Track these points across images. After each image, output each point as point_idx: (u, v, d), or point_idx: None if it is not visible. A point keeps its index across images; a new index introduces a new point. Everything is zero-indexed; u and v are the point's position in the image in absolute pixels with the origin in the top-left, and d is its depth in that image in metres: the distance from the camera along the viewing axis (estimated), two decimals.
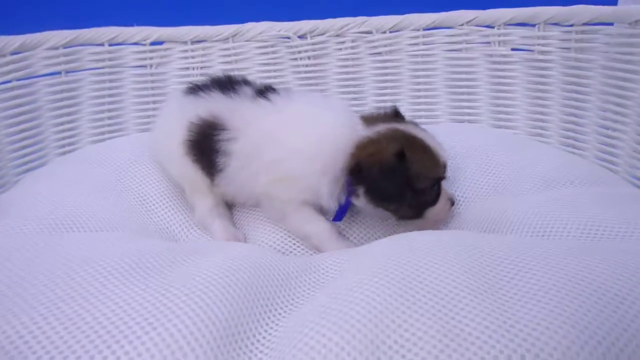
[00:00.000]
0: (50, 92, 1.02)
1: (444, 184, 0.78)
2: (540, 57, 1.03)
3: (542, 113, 1.06)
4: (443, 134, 0.98)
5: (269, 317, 0.52)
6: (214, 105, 0.78)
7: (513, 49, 1.06)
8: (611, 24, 0.94)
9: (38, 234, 0.69)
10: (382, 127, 0.73)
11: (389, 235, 0.78)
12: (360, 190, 0.71)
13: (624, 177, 0.93)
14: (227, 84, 0.80)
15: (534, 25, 1.03)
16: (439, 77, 1.13)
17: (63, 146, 1.05)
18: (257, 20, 1.13)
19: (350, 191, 0.73)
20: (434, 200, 0.75)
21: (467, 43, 1.09)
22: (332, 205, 0.75)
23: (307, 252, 0.76)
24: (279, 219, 0.77)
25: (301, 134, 0.73)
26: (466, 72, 1.11)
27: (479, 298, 0.47)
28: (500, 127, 1.10)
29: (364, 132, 0.73)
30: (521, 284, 0.49)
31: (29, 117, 0.99)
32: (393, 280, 0.50)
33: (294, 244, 0.77)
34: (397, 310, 0.47)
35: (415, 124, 0.78)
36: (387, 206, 0.73)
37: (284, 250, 0.76)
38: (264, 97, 0.77)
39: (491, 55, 1.08)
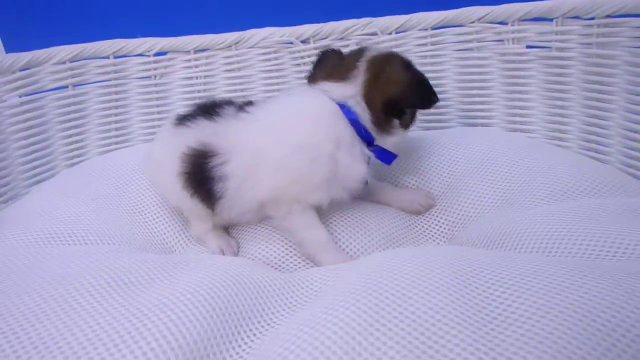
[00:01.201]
0: (58, 105, 1.06)
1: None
2: (559, 54, 0.97)
3: (561, 115, 0.99)
4: (452, 140, 0.94)
5: (242, 338, 0.52)
6: (201, 132, 0.77)
7: (528, 46, 1.00)
8: (637, 15, 0.86)
9: (31, 247, 0.72)
10: (360, 64, 0.77)
11: (387, 245, 0.78)
12: (395, 123, 0.77)
13: None
14: (210, 109, 0.79)
15: (551, 20, 0.96)
16: (449, 78, 1.08)
17: (71, 157, 1.09)
18: (260, 26, 1.13)
19: (369, 140, 0.77)
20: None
21: (478, 42, 1.04)
22: (364, 170, 0.76)
23: (300, 267, 0.75)
24: (282, 219, 0.76)
25: (295, 124, 0.75)
26: (478, 73, 1.06)
27: (461, 325, 0.44)
28: (515, 130, 1.04)
29: (348, 82, 0.76)
30: (510, 309, 0.46)
31: (38, 131, 1.04)
32: (371, 303, 0.48)
33: (288, 258, 0.76)
34: (370, 336, 0.44)
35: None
36: (409, 119, 0.80)
37: (277, 265, 0.75)
38: (244, 110, 0.77)
39: (505, 54, 1.02)
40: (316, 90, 0.78)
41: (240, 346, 0.51)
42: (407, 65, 0.77)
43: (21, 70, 1.02)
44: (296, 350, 0.45)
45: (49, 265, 0.62)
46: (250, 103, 0.80)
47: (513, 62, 1.02)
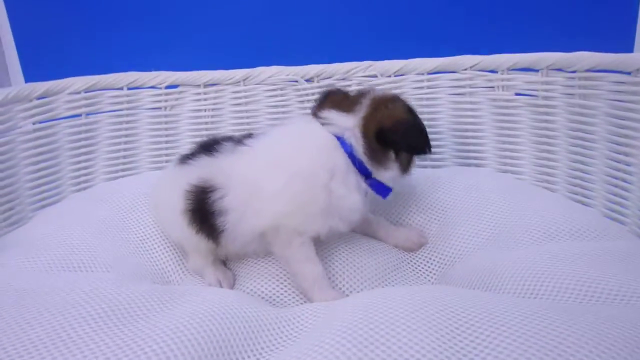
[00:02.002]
0: (70, 133, 1.11)
1: None
2: (545, 102, 1.04)
3: (548, 159, 1.05)
4: (446, 179, 0.98)
5: None
6: (201, 169, 0.80)
7: (517, 94, 1.06)
8: (615, 71, 0.95)
9: (32, 273, 0.74)
10: (365, 101, 0.80)
11: (380, 282, 0.80)
12: (391, 156, 0.78)
13: (633, 230, 0.91)
14: (211, 146, 0.82)
15: (537, 71, 1.04)
16: (443, 120, 1.15)
17: (79, 183, 1.12)
18: (267, 64, 1.20)
19: (366, 173, 0.79)
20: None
21: (471, 87, 1.11)
22: (359, 201, 0.77)
23: (293, 302, 0.77)
24: (282, 249, 0.78)
25: (291, 154, 0.77)
26: (471, 116, 1.12)
27: None
28: (506, 171, 1.09)
29: (351, 114, 0.79)
30: (487, 350, 0.49)
31: (48, 157, 1.08)
32: (357, 341, 0.51)
33: (282, 293, 0.78)
34: None
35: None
36: (407, 161, 0.81)
37: (271, 299, 0.77)
38: (242, 144, 0.80)
39: (495, 100, 1.09)
40: (313, 122, 0.81)
41: None
42: (409, 108, 0.79)
43: (38, 98, 1.07)
44: None
45: (49, 293, 0.64)
46: (249, 136, 0.82)
47: (503, 107, 1.09)
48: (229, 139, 0.84)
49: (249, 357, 0.57)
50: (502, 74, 1.06)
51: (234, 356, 0.56)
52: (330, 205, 0.75)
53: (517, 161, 1.10)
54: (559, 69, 1.01)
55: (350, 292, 0.79)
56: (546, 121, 1.04)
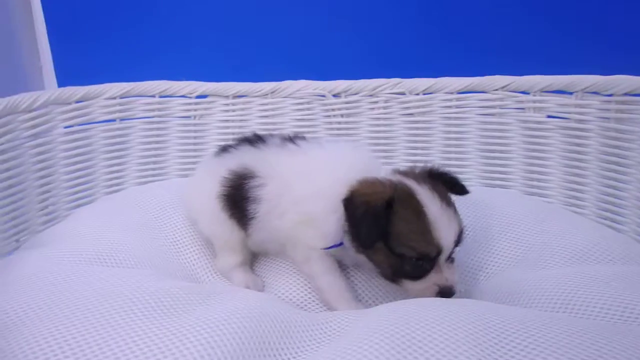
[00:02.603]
0: (105, 137, 1.16)
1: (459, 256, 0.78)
2: (578, 125, 1.03)
3: (578, 183, 1.03)
4: (472, 197, 0.99)
5: None
6: (244, 157, 0.84)
7: (549, 116, 1.06)
8: None
9: (73, 265, 0.77)
10: (397, 177, 0.74)
11: (405, 296, 0.79)
12: (347, 227, 0.73)
13: None
14: (255, 139, 0.87)
15: (571, 93, 1.02)
16: (471, 140, 1.15)
17: (111, 186, 1.17)
18: (295, 78, 1.23)
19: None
20: (415, 275, 0.72)
21: (501, 108, 1.11)
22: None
23: (322, 308, 0.78)
24: (302, 264, 0.80)
25: (318, 174, 0.77)
26: (499, 137, 1.12)
27: None
28: (533, 194, 1.08)
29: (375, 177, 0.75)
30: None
31: (84, 159, 1.12)
32: (392, 344, 0.52)
33: (310, 298, 0.80)
34: None
35: (441, 192, 0.73)
36: (366, 254, 0.74)
37: (300, 304, 0.79)
38: (292, 142, 0.84)
39: (526, 121, 1.09)
40: (363, 150, 0.85)
41: None
42: (391, 206, 0.71)
43: (77, 102, 1.13)
44: None
45: (93, 282, 0.68)
46: (302, 138, 0.86)
47: (533, 129, 1.08)
48: (274, 136, 0.87)
49: (286, 354, 0.58)
50: (534, 95, 1.06)
51: (272, 352, 0.57)
52: (333, 233, 0.75)
53: (545, 184, 1.09)
54: (595, 92, 0.99)
55: (374, 305, 0.79)
56: (578, 144, 1.03)
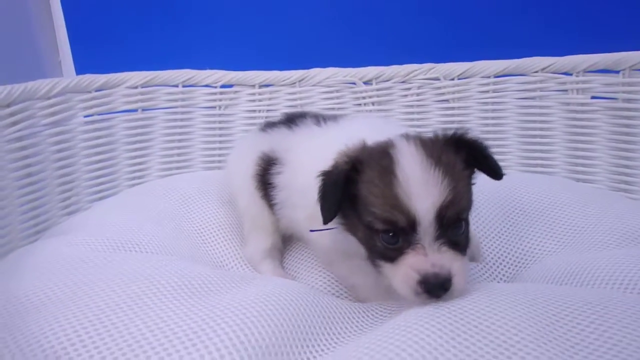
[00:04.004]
0: (126, 127, 1.14)
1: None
2: (626, 105, 1.00)
3: (626, 166, 1.00)
4: (510, 183, 0.96)
5: (309, 350, 0.52)
6: (275, 140, 0.82)
7: (593, 97, 1.03)
8: None
9: (99, 251, 0.75)
10: (392, 139, 0.61)
11: None
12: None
13: None
14: (295, 118, 0.83)
15: (617, 72, 1.00)
16: (509, 125, 1.12)
17: (133, 178, 1.14)
18: (323, 66, 1.20)
19: None
20: (389, 255, 0.57)
21: (541, 91, 1.08)
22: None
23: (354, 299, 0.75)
24: (328, 266, 0.77)
25: (321, 161, 0.63)
26: (540, 122, 1.09)
27: (542, 347, 0.44)
28: (578, 180, 1.05)
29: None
30: (593, 336, 0.46)
31: (105, 149, 1.10)
32: (445, 323, 0.49)
33: (345, 290, 0.76)
34: (447, 352, 0.45)
35: (434, 155, 0.58)
36: (351, 232, 0.62)
37: (335, 293, 0.76)
38: (319, 123, 0.79)
39: (568, 104, 1.06)
40: (388, 126, 0.75)
41: (307, 357, 0.51)
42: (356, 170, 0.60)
43: (97, 90, 1.08)
44: None
45: (121, 265, 0.65)
46: (332, 118, 0.81)
47: (577, 112, 1.05)
48: (314, 115, 0.84)
49: (326, 339, 0.55)
50: (577, 76, 1.03)
51: (312, 336, 0.55)
52: None
53: (590, 169, 1.05)
54: None
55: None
56: (627, 125, 1.00)
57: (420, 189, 0.54)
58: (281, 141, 0.81)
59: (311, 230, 0.63)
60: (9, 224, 0.88)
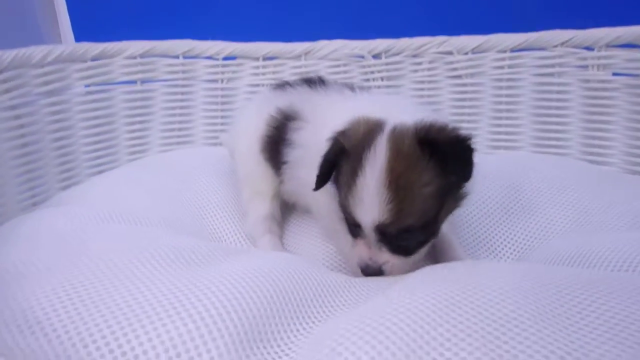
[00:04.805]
0: (125, 99, 1.12)
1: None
2: None
3: None
4: (521, 163, 0.94)
5: (299, 322, 0.52)
6: (296, 97, 0.82)
7: (615, 74, 0.99)
8: None
9: (94, 222, 0.74)
10: (388, 126, 0.63)
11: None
12: None
13: None
14: (317, 82, 0.84)
15: None
16: (524, 103, 1.09)
17: (134, 152, 1.14)
18: (330, 38, 1.17)
19: None
20: (351, 232, 0.65)
21: (560, 67, 1.04)
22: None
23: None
24: (327, 236, 0.77)
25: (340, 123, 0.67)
26: (557, 100, 1.06)
27: (539, 325, 0.43)
28: (591, 161, 1.02)
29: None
30: (594, 315, 0.45)
31: (104, 122, 1.09)
32: (437, 297, 0.48)
33: (343, 261, 0.76)
34: (439, 327, 0.44)
35: (397, 161, 0.60)
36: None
37: (332, 267, 0.75)
38: (351, 89, 0.80)
39: (588, 81, 1.02)
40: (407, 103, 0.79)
41: (297, 329, 0.51)
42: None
43: (93, 60, 1.07)
44: (360, 335, 0.44)
45: (112, 236, 0.66)
46: (365, 88, 0.83)
47: (596, 89, 1.02)
48: (340, 84, 0.84)
49: (317, 312, 0.55)
50: (599, 51, 0.99)
51: (302, 309, 0.54)
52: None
53: (606, 150, 1.03)
54: None
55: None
56: None
57: (366, 203, 0.60)
58: (304, 99, 0.81)
59: (314, 189, 0.66)
60: (5, 195, 0.88)
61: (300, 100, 0.81)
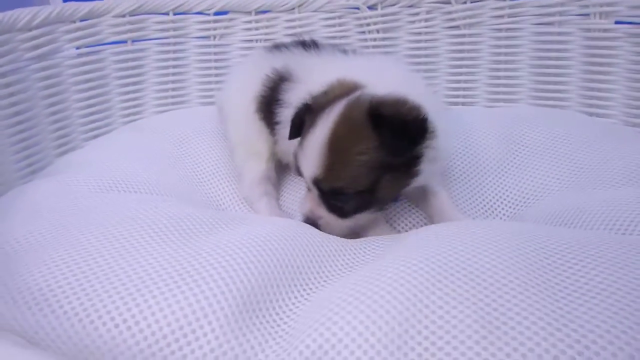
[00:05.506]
0: (117, 60, 1.10)
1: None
2: None
3: None
4: (519, 117, 0.94)
5: (297, 290, 0.54)
6: (290, 58, 0.83)
7: (617, 22, 0.97)
8: None
9: (92, 191, 0.75)
10: (357, 94, 0.68)
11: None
12: None
13: None
14: (311, 44, 0.85)
15: None
16: (523, 55, 1.07)
17: (128, 115, 1.13)
18: None
19: None
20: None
21: (560, 15, 1.02)
22: None
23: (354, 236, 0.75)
24: None
25: None
26: (556, 50, 1.04)
27: (529, 291, 0.45)
28: (591, 114, 1.02)
29: None
30: (583, 280, 0.46)
31: (96, 85, 1.08)
32: (431, 264, 0.49)
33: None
34: (432, 295, 0.46)
35: (340, 127, 0.66)
36: None
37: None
38: (344, 52, 0.82)
39: (589, 30, 1.00)
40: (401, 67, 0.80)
41: (295, 297, 0.53)
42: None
43: (81, 20, 1.04)
44: (355, 303, 0.46)
45: (111, 207, 0.66)
46: (359, 52, 0.86)
47: (597, 39, 1.00)
48: (335, 46, 0.87)
49: (315, 278, 0.56)
50: None
51: (300, 276, 0.55)
52: None
53: (606, 102, 1.02)
54: None
55: (407, 230, 0.77)
56: None
57: (308, 157, 0.66)
58: (298, 60, 0.82)
59: (288, 139, 0.72)
60: (2, 164, 0.88)
61: (295, 61, 0.82)
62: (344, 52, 0.84)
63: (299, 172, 0.70)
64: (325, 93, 0.70)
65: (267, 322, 0.49)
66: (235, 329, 0.46)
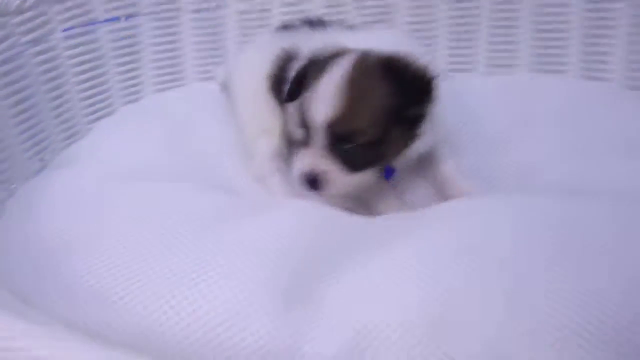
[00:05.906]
0: (112, 39, 1.08)
1: None
2: None
3: None
4: (519, 87, 0.96)
5: (330, 274, 0.55)
6: (298, 38, 0.85)
7: None
8: None
9: (106, 183, 0.76)
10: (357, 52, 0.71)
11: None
12: None
13: None
14: (317, 23, 0.89)
15: None
16: (522, 19, 1.07)
17: (129, 94, 1.11)
18: None
19: None
20: (301, 142, 0.75)
21: None
22: None
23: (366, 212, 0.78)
24: None
25: None
26: (556, 13, 1.05)
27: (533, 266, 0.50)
28: (592, 78, 1.04)
29: None
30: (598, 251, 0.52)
31: (94, 66, 1.06)
32: (454, 249, 0.54)
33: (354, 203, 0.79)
34: (446, 273, 0.51)
35: (355, 75, 0.69)
36: None
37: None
38: (349, 30, 0.85)
39: None
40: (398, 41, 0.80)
41: (329, 284, 0.55)
42: None
43: None
44: (392, 285, 0.51)
45: (128, 200, 0.69)
46: (364, 28, 0.90)
47: (598, 1, 1.01)
48: (341, 24, 0.90)
49: (348, 260, 0.58)
50: None
51: (328, 262, 0.57)
52: None
53: (607, 66, 1.04)
54: None
55: (414, 202, 0.80)
56: None
57: (321, 101, 0.67)
58: (305, 39, 0.84)
59: (285, 101, 0.75)
60: (12, 157, 0.87)
61: (302, 40, 0.84)
62: (350, 28, 0.87)
63: (304, 123, 0.70)
64: (325, 50, 0.73)
65: (309, 306, 0.51)
66: (281, 315, 0.49)
